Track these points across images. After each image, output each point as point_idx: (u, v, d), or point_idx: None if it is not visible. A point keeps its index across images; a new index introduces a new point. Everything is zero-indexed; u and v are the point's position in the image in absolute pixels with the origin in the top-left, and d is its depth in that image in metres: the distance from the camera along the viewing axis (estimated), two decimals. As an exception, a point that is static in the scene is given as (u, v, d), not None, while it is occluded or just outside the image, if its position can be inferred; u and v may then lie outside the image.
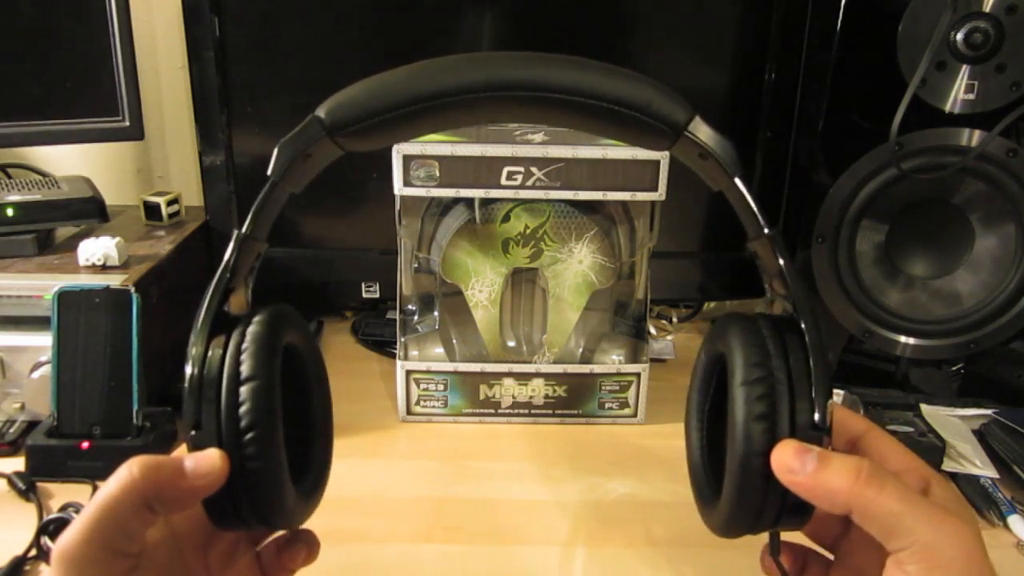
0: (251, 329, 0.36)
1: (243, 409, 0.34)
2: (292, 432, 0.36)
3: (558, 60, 0.37)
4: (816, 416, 0.34)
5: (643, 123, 0.37)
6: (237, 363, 0.35)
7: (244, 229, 0.38)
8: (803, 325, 0.35)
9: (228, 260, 0.37)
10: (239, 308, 0.38)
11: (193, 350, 0.35)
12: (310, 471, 0.40)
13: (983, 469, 0.69)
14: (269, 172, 0.37)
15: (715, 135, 0.36)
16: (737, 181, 0.37)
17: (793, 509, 0.35)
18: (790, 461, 0.33)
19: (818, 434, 0.34)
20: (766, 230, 0.36)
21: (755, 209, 0.36)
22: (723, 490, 0.36)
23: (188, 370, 0.35)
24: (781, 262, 0.36)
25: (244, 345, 0.35)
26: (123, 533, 0.33)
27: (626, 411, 0.78)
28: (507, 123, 0.77)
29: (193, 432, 0.34)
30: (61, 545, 0.32)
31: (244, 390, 0.34)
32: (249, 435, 0.34)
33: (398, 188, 0.72)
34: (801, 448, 0.33)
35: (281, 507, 0.36)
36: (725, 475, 0.35)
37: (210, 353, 0.35)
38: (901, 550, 0.32)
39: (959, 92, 0.73)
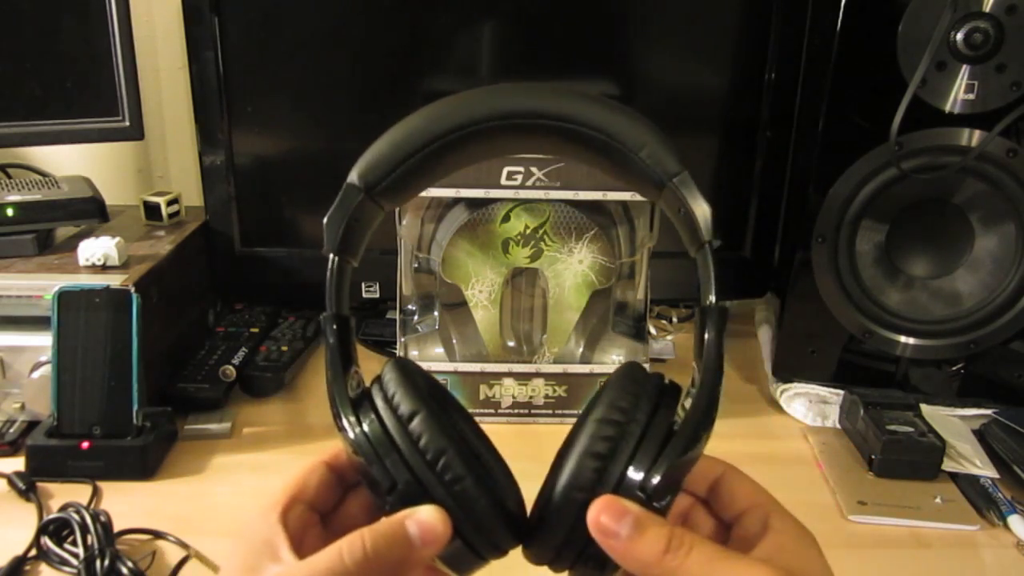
0: (386, 377, 0.35)
1: (423, 442, 0.33)
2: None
3: (575, 94, 0.37)
4: (653, 480, 0.32)
5: (637, 168, 0.37)
6: (394, 409, 0.33)
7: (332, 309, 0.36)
8: (686, 393, 0.34)
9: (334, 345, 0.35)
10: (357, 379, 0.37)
11: (344, 420, 0.34)
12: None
13: (983, 469, 0.69)
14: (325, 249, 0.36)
15: (698, 196, 0.36)
16: (706, 249, 0.36)
17: (594, 558, 0.33)
18: (607, 522, 0.31)
19: (644, 497, 0.32)
20: (709, 300, 0.36)
21: (712, 280, 0.37)
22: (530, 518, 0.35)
23: (351, 438, 0.33)
24: (706, 335, 0.36)
25: (390, 393, 0.34)
26: None
27: (626, 411, 0.78)
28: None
29: (389, 496, 0.32)
30: None
31: (414, 425, 0.33)
32: (442, 462, 0.32)
33: (398, 188, 0.72)
34: (620, 510, 0.32)
35: (503, 513, 0.33)
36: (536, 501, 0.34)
37: (362, 417, 0.34)
38: None
39: (959, 92, 0.73)
